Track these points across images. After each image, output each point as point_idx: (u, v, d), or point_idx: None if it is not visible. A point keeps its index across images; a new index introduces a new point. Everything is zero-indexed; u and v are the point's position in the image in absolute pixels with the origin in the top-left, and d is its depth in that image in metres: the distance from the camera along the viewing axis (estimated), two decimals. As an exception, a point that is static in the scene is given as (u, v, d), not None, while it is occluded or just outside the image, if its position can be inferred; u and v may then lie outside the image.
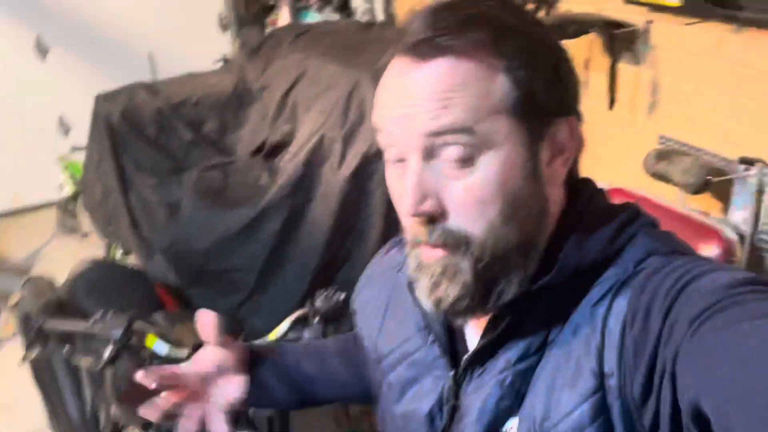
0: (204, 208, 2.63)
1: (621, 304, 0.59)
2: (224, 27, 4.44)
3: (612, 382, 0.57)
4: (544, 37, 0.63)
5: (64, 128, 4.32)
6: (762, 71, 1.79)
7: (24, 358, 1.60)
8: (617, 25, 2.07)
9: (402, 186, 0.61)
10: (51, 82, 4.22)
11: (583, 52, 2.36)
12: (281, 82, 2.85)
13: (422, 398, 0.72)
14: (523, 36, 0.61)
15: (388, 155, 0.63)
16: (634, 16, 2.10)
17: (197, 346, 1.59)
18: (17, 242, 4.10)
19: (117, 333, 1.51)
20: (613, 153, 2.35)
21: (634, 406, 0.56)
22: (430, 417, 0.71)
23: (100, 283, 2.23)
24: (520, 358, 0.64)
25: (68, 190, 3.74)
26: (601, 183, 2.24)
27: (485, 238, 0.60)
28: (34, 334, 1.56)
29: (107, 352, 1.54)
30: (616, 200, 2.18)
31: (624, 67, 2.19)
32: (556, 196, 0.66)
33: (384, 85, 0.62)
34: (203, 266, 2.59)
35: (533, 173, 0.61)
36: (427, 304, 0.64)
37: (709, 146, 2.00)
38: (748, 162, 1.87)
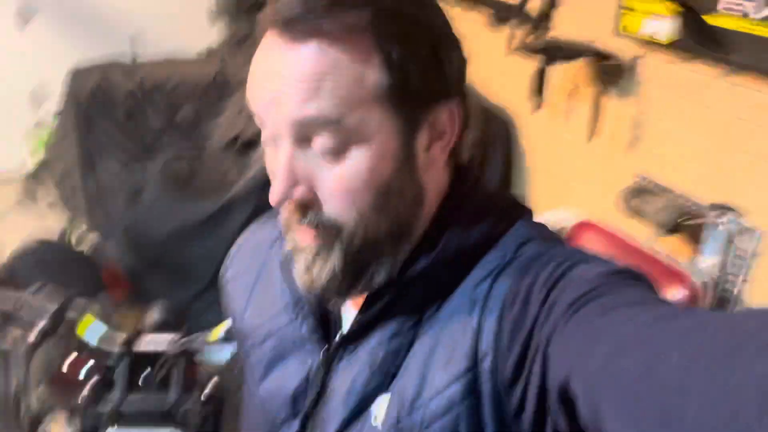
0: (167, 196, 2.55)
1: (501, 288, 0.60)
2: (214, 19, 4.36)
3: (485, 365, 0.58)
4: (424, 18, 0.60)
5: (37, 101, 4.19)
6: (746, 120, 1.78)
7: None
8: (605, 56, 2.05)
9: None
10: (29, 52, 4.10)
11: (570, 80, 2.34)
12: (262, 77, 2.79)
13: (287, 378, 0.70)
14: (402, 18, 0.58)
15: (264, 135, 0.61)
16: (624, 50, 2.09)
17: (134, 334, 1.52)
18: (-29, 213, 3.95)
19: (53, 307, 1.43)
20: (588, 187, 2.32)
21: (504, 387, 0.57)
22: (293, 398, 0.69)
23: (41, 264, 2.13)
24: (393, 336, 0.64)
25: (31, 164, 3.62)
26: (572, 215, 2.18)
27: (355, 227, 0.60)
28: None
29: (41, 326, 1.45)
30: (585, 235, 2.10)
31: (608, 101, 2.17)
32: (435, 180, 0.65)
33: (255, 63, 0.59)
34: (159, 255, 2.50)
35: (407, 162, 0.61)
36: (301, 284, 0.64)
37: (684, 189, 1.98)
38: (720, 208, 1.85)
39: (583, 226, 2.09)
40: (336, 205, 0.59)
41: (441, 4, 0.64)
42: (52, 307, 1.42)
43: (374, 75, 0.56)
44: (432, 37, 0.60)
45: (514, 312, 0.57)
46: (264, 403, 0.72)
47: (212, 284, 2.52)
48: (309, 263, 0.62)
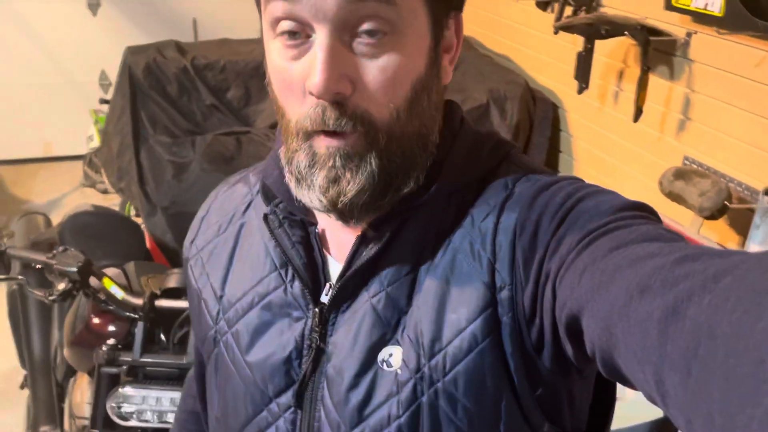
0: (210, 172, 2.59)
1: (510, 218, 0.58)
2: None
3: (503, 295, 0.57)
4: None
5: (105, 83, 4.38)
6: (802, 97, 1.64)
7: (-21, 280, 1.57)
8: (654, 32, 1.94)
9: (302, 64, 0.55)
10: (98, 37, 4.28)
11: (618, 60, 2.23)
12: (308, 57, 2.79)
13: (277, 345, 0.65)
14: None
15: (281, 29, 0.55)
16: (674, 27, 1.97)
17: (153, 296, 1.55)
18: (42, 189, 4.17)
19: (72, 269, 1.48)
20: (634, 169, 2.21)
21: (524, 319, 0.56)
22: (288, 363, 0.64)
23: (89, 228, 2.21)
24: (391, 283, 0.61)
25: (95, 143, 3.77)
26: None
27: (392, 124, 0.56)
28: (-4, 259, 1.53)
29: (61, 286, 1.51)
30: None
31: (656, 80, 2.06)
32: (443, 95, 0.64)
33: None
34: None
35: (435, 63, 0.59)
36: (320, 202, 0.58)
37: (734, 172, 1.85)
38: (773, 193, 1.71)
39: (622, 210, 1.99)
40: (374, 98, 0.55)
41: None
42: (72, 269, 1.47)
43: None
44: None
45: (524, 241, 0.56)
46: (252, 375, 0.66)
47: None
48: (337, 174, 0.57)
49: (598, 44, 2.15)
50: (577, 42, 2.27)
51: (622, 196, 0.57)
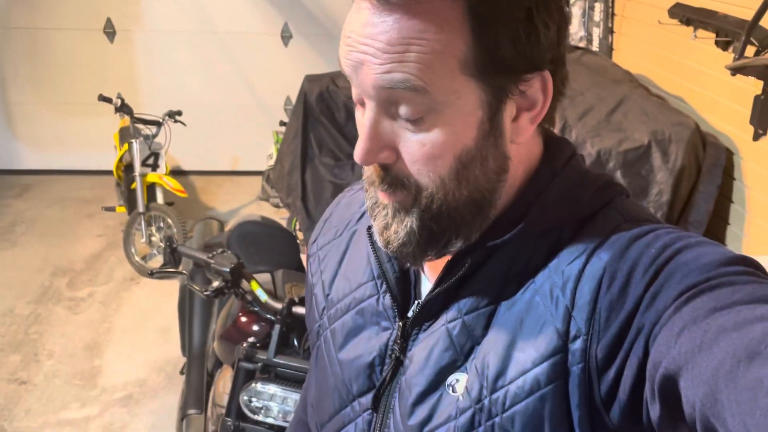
0: (366, 194, 2.74)
1: (596, 267, 0.56)
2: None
3: (576, 345, 0.55)
4: None
5: (288, 107, 4.78)
6: None
7: (151, 273, 1.80)
8: None
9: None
10: (287, 65, 4.69)
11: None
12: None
13: (364, 349, 0.70)
14: None
15: (353, 95, 0.60)
16: None
17: (291, 302, 1.67)
18: (225, 199, 4.64)
19: (225, 269, 1.65)
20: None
21: (595, 370, 0.55)
22: (371, 368, 0.69)
23: (252, 236, 2.42)
24: (469, 311, 0.62)
25: (273, 161, 4.12)
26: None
27: (435, 191, 0.59)
28: (168, 253, 1.74)
29: (215, 284, 1.68)
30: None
31: None
32: (523, 151, 0.62)
33: (346, 26, 0.58)
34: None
35: (492, 132, 0.58)
36: (379, 242, 0.64)
37: None
38: None
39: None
40: (417, 168, 0.58)
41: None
42: (226, 269, 1.64)
43: (462, 44, 0.53)
44: (526, 2, 0.54)
45: (613, 292, 0.54)
46: (342, 369, 0.72)
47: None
48: (387, 222, 0.62)
49: (782, 88, 1.97)
50: (760, 84, 2.10)
51: (725, 248, 0.53)
